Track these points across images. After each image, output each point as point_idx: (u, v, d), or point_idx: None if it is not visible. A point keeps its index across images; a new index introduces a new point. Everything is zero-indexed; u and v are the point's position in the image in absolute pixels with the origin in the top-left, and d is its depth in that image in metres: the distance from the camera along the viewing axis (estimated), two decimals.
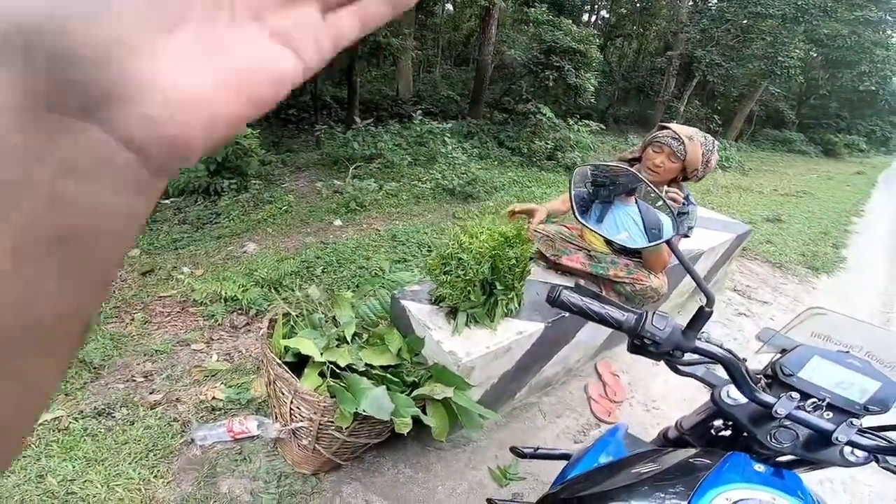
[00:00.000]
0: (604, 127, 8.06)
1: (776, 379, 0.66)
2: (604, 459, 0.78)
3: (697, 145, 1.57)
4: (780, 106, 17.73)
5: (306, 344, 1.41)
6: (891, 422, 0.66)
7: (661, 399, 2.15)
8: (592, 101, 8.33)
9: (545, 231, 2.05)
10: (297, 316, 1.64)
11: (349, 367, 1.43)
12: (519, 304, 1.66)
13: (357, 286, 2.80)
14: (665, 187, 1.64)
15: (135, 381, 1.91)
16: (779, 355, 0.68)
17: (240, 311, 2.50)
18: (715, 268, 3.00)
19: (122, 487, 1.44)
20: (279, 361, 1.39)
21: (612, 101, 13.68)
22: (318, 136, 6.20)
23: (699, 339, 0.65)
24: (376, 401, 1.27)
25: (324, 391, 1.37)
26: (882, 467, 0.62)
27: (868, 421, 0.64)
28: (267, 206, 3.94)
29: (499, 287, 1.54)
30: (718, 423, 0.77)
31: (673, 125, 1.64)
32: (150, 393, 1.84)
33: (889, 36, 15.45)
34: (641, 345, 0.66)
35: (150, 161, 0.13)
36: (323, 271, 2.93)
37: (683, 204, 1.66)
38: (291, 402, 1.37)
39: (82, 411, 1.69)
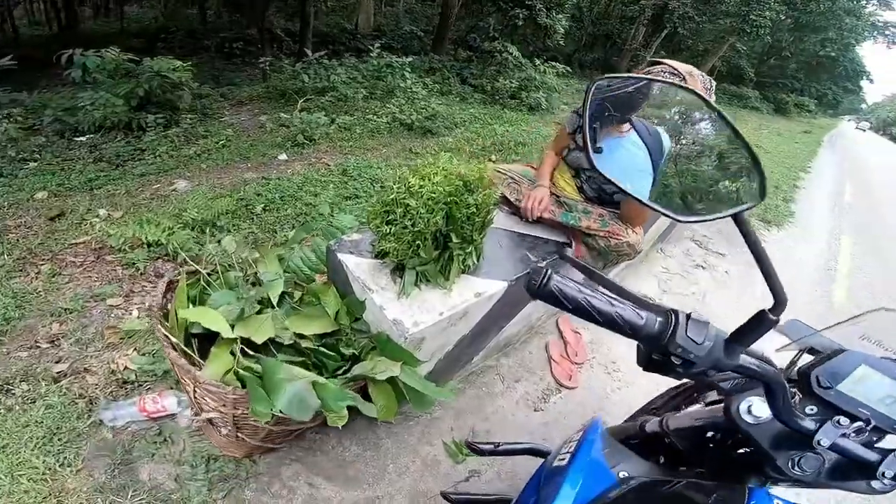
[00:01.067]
0: (570, 70, 7.81)
1: (807, 390, 0.53)
2: (592, 486, 0.62)
3: (698, 82, 1.43)
4: (741, 63, 17.98)
5: (211, 316, 1.14)
6: None
7: (622, 360, 2.06)
8: (561, 43, 8.01)
9: (510, 172, 1.85)
10: (209, 274, 1.34)
11: (271, 342, 1.19)
12: (478, 259, 1.40)
13: (302, 225, 2.56)
14: None
15: (39, 347, 1.64)
16: (807, 356, 0.56)
17: (165, 258, 2.20)
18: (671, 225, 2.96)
19: (26, 478, 1.23)
20: (174, 341, 1.12)
21: (580, 45, 13.32)
22: (263, 69, 5.59)
23: (746, 352, 0.49)
24: (296, 398, 1.02)
25: (233, 379, 1.10)
26: None
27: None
28: (201, 141, 3.50)
29: (454, 240, 1.28)
30: (714, 432, 0.64)
31: (668, 60, 1.46)
32: (56, 362, 1.57)
33: (863, 5, 15.72)
34: (663, 361, 0.49)
35: None
36: (264, 209, 2.64)
37: None
38: (195, 392, 1.13)
39: None
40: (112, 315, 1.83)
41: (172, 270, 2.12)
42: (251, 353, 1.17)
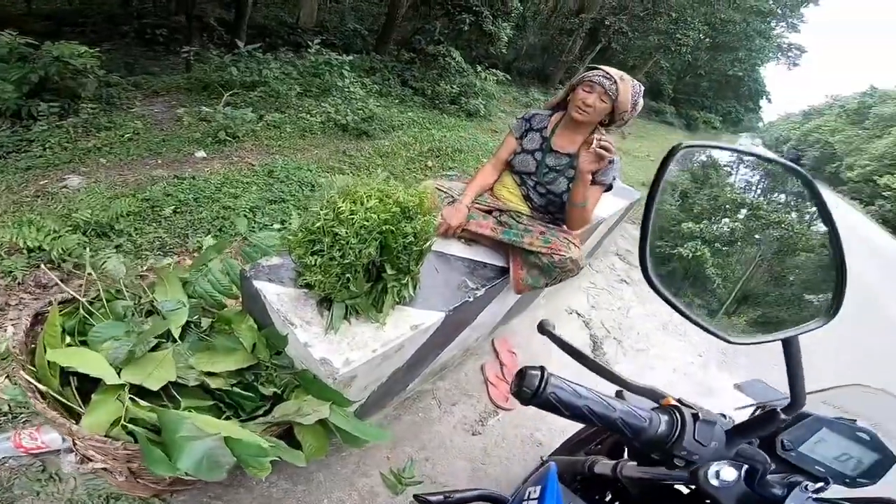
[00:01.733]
0: (509, 78, 8.04)
1: (766, 446, 0.55)
2: None
3: (628, 86, 1.49)
4: (662, 79, 19.52)
5: (91, 358, 0.96)
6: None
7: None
8: (503, 51, 8.19)
9: (451, 190, 1.81)
10: (90, 302, 1.15)
11: (173, 384, 1.03)
12: (414, 290, 1.29)
13: (220, 231, 2.37)
14: (597, 135, 1.48)
15: None
16: (760, 410, 0.58)
17: (49, 265, 1.93)
18: (606, 234, 3.06)
19: None
20: (42, 389, 0.94)
21: (520, 54, 13.75)
22: (187, 59, 5.14)
23: (742, 440, 0.50)
24: (205, 458, 0.88)
25: (122, 432, 0.94)
26: None
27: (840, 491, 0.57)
28: (103, 133, 3.13)
29: (389, 271, 1.16)
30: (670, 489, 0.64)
31: (603, 66, 1.52)
32: None
33: (772, 27, 17.68)
34: (662, 460, 0.48)
35: None
36: (175, 212, 2.41)
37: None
38: (75, 445, 0.96)
39: None
40: None
41: (53, 283, 1.89)
42: (141, 402, 0.99)
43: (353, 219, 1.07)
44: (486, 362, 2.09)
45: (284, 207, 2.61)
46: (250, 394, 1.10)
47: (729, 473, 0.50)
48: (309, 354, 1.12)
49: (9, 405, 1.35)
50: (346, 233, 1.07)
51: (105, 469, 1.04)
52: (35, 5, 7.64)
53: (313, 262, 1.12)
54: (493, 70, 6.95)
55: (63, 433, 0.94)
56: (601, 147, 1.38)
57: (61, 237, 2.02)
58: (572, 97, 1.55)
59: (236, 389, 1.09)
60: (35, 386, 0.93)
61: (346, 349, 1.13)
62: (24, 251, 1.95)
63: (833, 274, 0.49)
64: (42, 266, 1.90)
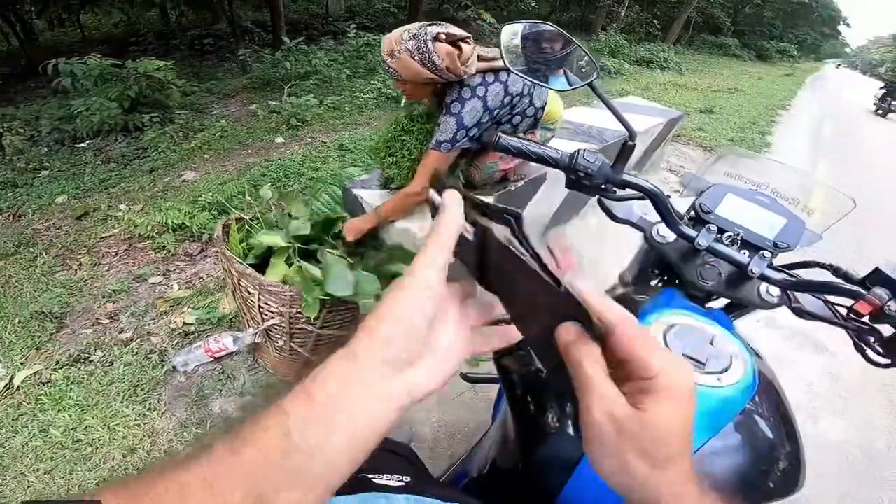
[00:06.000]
0: None
1: (698, 217, 0.67)
2: None
3: (406, 57, 1.24)
4: (716, 13, 17.80)
5: (269, 237, 1.37)
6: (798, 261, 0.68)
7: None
8: (534, 5, 7.97)
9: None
10: (251, 219, 1.57)
11: (315, 242, 1.42)
12: None
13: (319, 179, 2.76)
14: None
15: (101, 323, 1.85)
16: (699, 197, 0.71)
17: (192, 238, 2.40)
18: (651, 149, 3.19)
19: (121, 426, 1.45)
20: (239, 259, 1.35)
21: (555, 6, 13.16)
22: (242, 61, 5.63)
23: (627, 173, 0.65)
24: (339, 278, 1.21)
25: (291, 278, 1.33)
26: (793, 310, 0.62)
27: (779, 261, 0.65)
28: (199, 134, 3.64)
29: None
30: (656, 270, 0.78)
31: (385, 45, 1.30)
32: (120, 332, 1.80)
33: None
34: (577, 179, 0.66)
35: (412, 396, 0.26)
36: (273, 187, 2.83)
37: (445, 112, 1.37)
38: (259, 300, 1.33)
39: (58, 361, 1.64)
40: (156, 290, 2.05)
41: (199, 249, 2.36)
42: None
43: (412, 128, 1.51)
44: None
45: (358, 172, 2.96)
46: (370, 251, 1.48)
47: (665, 231, 0.68)
48: (394, 228, 1.55)
49: (194, 326, 1.80)
50: (409, 138, 1.50)
51: (268, 336, 1.43)
52: (87, 32, 8.48)
53: (391, 161, 1.56)
54: None
55: (253, 286, 1.31)
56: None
57: (195, 216, 2.49)
58: None
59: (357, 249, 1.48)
60: (235, 258, 1.33)
61: (421, 221, 1.57)
62: (170, 231, 2.43)
63: (585, 52, 0.70)
64: (186, 241, 2.40)
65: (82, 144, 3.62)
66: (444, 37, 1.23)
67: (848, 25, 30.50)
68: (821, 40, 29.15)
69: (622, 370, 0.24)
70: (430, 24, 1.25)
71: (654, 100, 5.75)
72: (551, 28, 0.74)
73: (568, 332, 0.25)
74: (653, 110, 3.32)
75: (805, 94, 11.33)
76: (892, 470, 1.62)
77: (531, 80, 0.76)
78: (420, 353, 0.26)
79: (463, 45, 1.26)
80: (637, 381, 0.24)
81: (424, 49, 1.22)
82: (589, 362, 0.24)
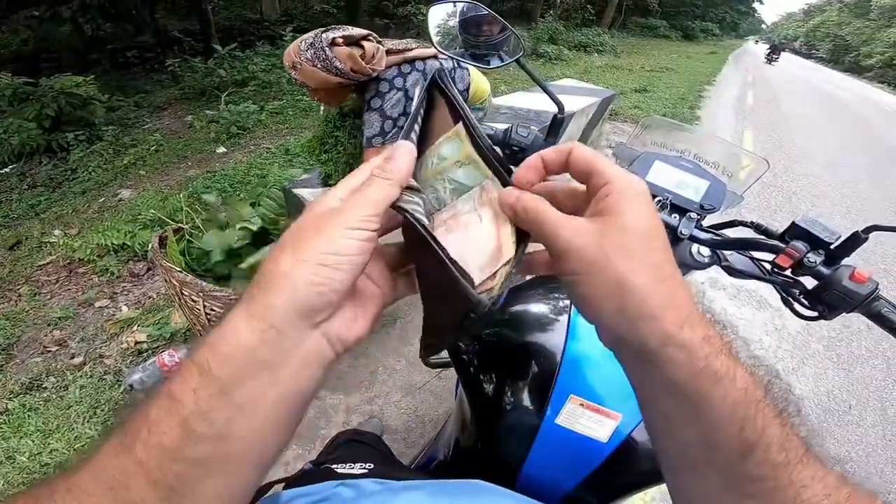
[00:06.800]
0: None
1: None
2: None
3: (308, 67, 1.23)
4: None
5: (219, 236, 1.40)
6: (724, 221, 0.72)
7: None
8: None
9: None
10: (191, 228, 1.57)
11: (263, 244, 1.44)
12: None
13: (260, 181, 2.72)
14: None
15: (49, 350, 1.78)
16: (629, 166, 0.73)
17: (135, 258, 2.31)
18: (588, 127, 3.35)
19: (86, 447, 1.40)
20: (179, 268, 1.33)
21: None
22: (172, 72, 5.37)
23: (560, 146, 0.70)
24: None
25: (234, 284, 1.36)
26: (725, 268, 0.66)
27: (706, 223, 0.69)
28: (132, 150, 3.46)
29: None
30: None
31: (285, 55, 1.29)
32: (71, 357, 1.73)
33: None
34: (511, 154, 0.69)
35: (336, 348, 0.24)
36: (218, 196, 2.76)
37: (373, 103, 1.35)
38: (205, 307, 1.29)
39: (11, 391, 1.59)
40: (104, 314, 1.96)
41: (146, 269, 2.27)
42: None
43: (345, 124, 1.50)
44: None
45: (300, 172, 2.93)
46: None
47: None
48: None
49: (146, 343, 1.75)
50: (342, 134, 1.52)
51: None
52: None
53: (327, 158, 1.58)
54: None
55: (197, 292, 1.31)
56: None
57: (136, 235, 2.39)
58: None
59: None
60: (173, 267, 1.33)
61: None
62: (112, 252, 2.32)
63: (511, 32, 0.72)
64: (130, 261, 2.30)
65: (5, 170, 3.36)
66: (341, 40, 1.21)
67: (761, 2, 33.10)
68: (738, 18, 31.47)
69: (582, 198, 0.25)
70: (325, 31, 1.23)
71: (594, 82, 6.03)
72: (480, 8, 0.75)
73: (509, 195, 0.25)
74: (587, 91, 3.49)
75: (728, 70, 12.23)
76: (854, 427, 1.70)
77: (461, 60, 0.77)
78: (339, 299, 0.22)
79: (365, 43, 1.24)
80: (597, 200, 0.23)
81: (324, 56, 1.20)
82: (538, 203, 0.24)
